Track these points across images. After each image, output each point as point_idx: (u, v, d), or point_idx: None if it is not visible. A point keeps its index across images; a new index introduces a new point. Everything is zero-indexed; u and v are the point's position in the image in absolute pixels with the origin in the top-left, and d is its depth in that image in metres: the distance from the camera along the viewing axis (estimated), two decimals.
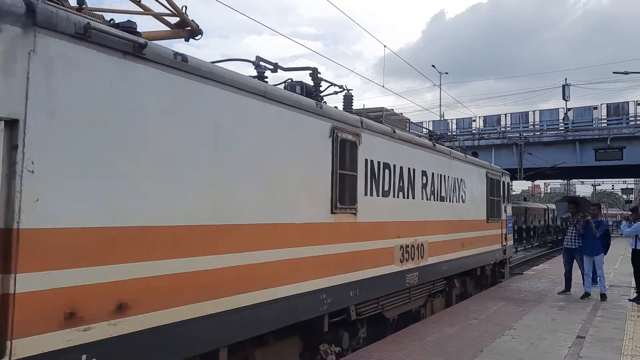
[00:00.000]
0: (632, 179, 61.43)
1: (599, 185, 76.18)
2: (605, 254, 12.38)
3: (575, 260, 12.71)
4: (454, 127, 46.53)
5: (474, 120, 46.50)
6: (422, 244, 9.59)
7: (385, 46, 17.95)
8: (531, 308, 10.83)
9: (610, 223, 16.16)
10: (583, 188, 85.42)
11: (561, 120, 42.87)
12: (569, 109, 43.78)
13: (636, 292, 11.97)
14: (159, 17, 5.81)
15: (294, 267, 6.03)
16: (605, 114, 41.39)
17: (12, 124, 3.35)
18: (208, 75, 4.91)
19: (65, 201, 3.67)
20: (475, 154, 15.03)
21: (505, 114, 45.80)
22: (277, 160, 5.89)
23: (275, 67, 7.14)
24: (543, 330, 8.73)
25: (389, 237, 8.42)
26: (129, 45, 4.13)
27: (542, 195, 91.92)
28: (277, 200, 5.86)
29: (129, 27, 4.48)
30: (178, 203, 4.56)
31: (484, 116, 46.64)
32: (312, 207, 6.49)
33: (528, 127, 43.75)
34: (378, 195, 8.06)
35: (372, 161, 7.89)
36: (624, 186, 71.45)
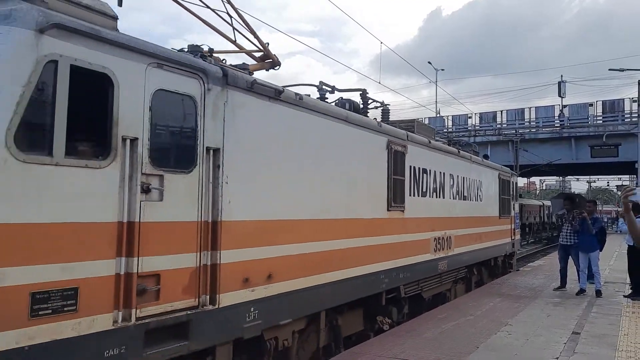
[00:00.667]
0: (627, 176, 61.62)
1: (594, 182, 76.59)
2: (600, 250, 12.44)
3: (570, 256, 12.77)
4: (450, 123, 46.61)
5: (470, 117, 46.57)
6: (450, 237, 11.28)
7: (381, 42, 17.94)
8: (527, 304, 10.88)
9: (606, 220, 16.30)
10: (578, 185, 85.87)
11: (557, 117, 43.00)
12: (565, 106, 43.92)
13: (631, 288, 12.05)
14: (249, 53, 7.11)
15: (364, 252, 7.73)
16: (601, 111, 41.54)
17: (215, 151, 5.08)
18: (313, 108, 6.76)
19: (243, 203, 5.38)
20: (486, 157, 16.60)
21: (501, 111, 45.90)
22: (352, 169, 7.60)
23: (333, 90, 8.48)
24: (538, 327, 8.77)
25: (426, 230, 10.14)
26: (272, 91, 5.91)
27: (538, 192, 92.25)
28: (353, 200, 7.58)
29: (244, 67, 6.17)
30: (300, 204, 6.40)
31: (480, 113, 46.74)
32: (375, 206, 8.24)
33: (524, 123, 43.85)
34: (418, 196, 9.80)
35: (414, 167, 9.64)
36: (619, 183, 71.76)
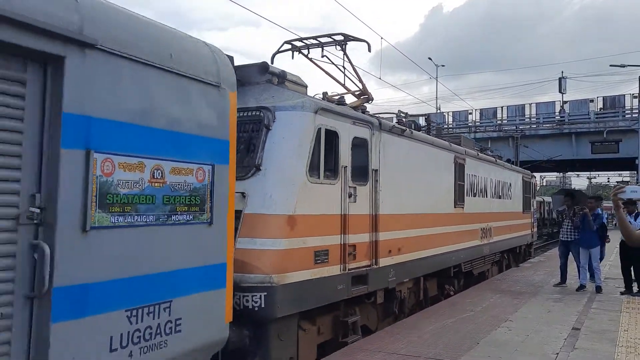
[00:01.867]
0: (628, 172, 61.59)
1: (595, 178, 76.50)
2: (601, 247, 12.45)
3: (570, 252, 12.78)
4: (451, 119, 46.56)
5: (471, 113, 46.56)
6: (490, 228, 14.40)
7: (382, 38, 17.93)
8: (527, 300, 10.90)
9: (606, 216, 16.50)
10: (578, 181, 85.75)
11: (557, 113, 42.93)
12: (565, 102, 43.85)
13: (638, 286, 12.04)
14: (353, 93, 9.25)
15: (441, 237, 10.81)
16: (602, 107, 41.46)
17: (375, 171, 8.01)
18: (417, 138, 9.85)
19: (387, 203, 8.30)
20: (509, 161, 20.02)
21: (502, 107, 45.86)
22: (435, 177, 10.83)
23: (406, 115, 11.50)
24: (539, 322, 8.79)
25: (476, 222, 13.27)
26: (399, 130, 9.02)
27: (538, 188, 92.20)
28: (435, 200, 10.71)
29: (343, 102, 8.04)
30: (411, 203, 9.41)
31: (480, 109, 46.70)
32: (447, 204, 11.36)
33: (524, 120, 43.79)
34: (472, 196, 12.98)
35: (469, 174, 12.83)
36: (620, 179, 71.72)
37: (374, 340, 7.53)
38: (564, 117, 41.97)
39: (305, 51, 8.96)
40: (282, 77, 7.32)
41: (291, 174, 6.48)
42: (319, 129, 6.80)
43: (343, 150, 7.24)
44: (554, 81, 47.63)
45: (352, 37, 8.95)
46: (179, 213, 4.23)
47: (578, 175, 71.37)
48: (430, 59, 46.87)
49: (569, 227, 12.61)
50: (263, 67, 7.11)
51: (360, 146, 7.71)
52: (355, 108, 8.27)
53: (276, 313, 5.95)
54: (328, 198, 6.92)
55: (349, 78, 9.24)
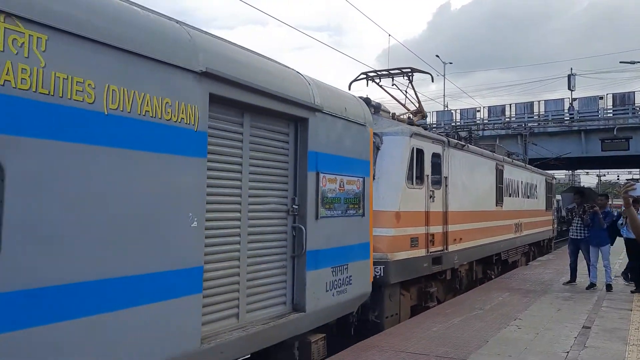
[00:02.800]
0: (638, 170, 61.05)
1: (604, 175, 75.92)
2: (611, 244, 12.33)
3: (580, 250, 12.68)
4: (458, 117, 46.36)
5: (479, 111, 46.26)
6: (521, 223, 17.09)
7: (389, 35, 17.86)
8: (536, 298, 10.83)
9: (615, 214, 16.56)
10: (588, 178, 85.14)
11: (566, 111, 42.61)
12: (575, 99, 43.51)
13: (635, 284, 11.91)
14: (411, 112, 11.79)
15: (487, 230, 13.34)
16: (611, 104, 41.10)
17: (446, 178, 10.73)
18: (471, 150, 12.51)
19: (453, 202, 10.99)
20: (531, 162, 23.13)
21: (510, 104, 45.53)
22: (482, 181, 13.45)
23: (470, 134, 16.04)
24: (548, 321, 8.72)
25: (511, 218, 15.95)
26: (461, 146, 11.78)
27: None
28: (483, 199, 13.33)
29: (413, 122, 10.86)
30: (471, 202, 12.12)
31: (488, 106, 46.43)
32: (491, 202, 13.98)
33: (533, 117, 43.49)
34: (508, 196, 15.71)
35: (506, 178, 15.68)
36: (630, 176, 71.13)
37: (383, 338, 7.50)
38: (573, 114, 41.64)
39: (376, 79, 11.72)
40: (377, 108, 9.84)
41: (396, 182, 9.12)
42: (413, 148, 9.51)
43: (426, 163, 9.98)
44: (562, 78, 47.24)
45: (418, 69, 11.49)
46: (350, 209, 6.72)
47: (587, 173, 70.87)
48: (437, 56, 46.75)
49: (578, 225, 12.50)
50: (366, 101, 8.25)
51: (436, 159, 10.44)
52: (411, 122, 10.81)
53: (390, 280, 8.63)
54: (418, 199, 9.66)
55: (410, 100, 12.28)
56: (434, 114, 47.23)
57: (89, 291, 3.47)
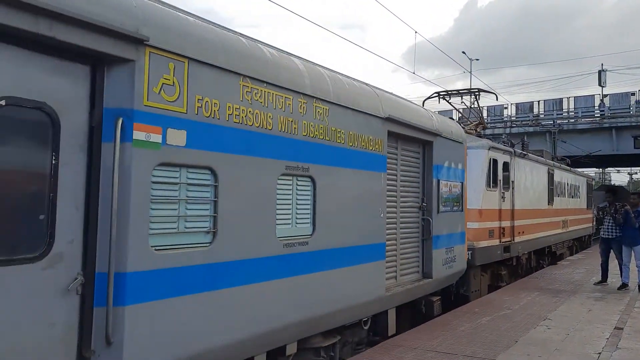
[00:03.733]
0: None
1: (636, 173, 74.08)
2: None
3: (612, 250, 12.41)
4: (485, 114, 45.77)
5: (506, 108, 45.58)
6: (567, 220, 19.75)
7: (416, 32, 17.76)
8: (566, 298, 10.64)
9: None
10: (619, 177, 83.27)
11: (597, 107, 41.69)
12: (605, 95, 42.54)
13: None
14: (474, 123, 14.18)
15: (541, 225, 15.69)
16: None
17: (513, 182, 13.33)
18: (530, 158, 15.34)
19: (518, 201, 13.65)
20: (569, 165, 24.23)
21: (539, 101, 44.77)
22: (537, 183, 15.84)
23: (522, 145, 16.78)
24: (579, 321, 8.57)
25: (559, 216, 18.47)
26: (522, 155, 14.61)
27: None
28: (539, 199, 15.88)
29: (481, 135, 14.50)
30: (530, 201, 14.93)
31: (516, 103, 45.70)
32: (544, 202, 16.41)
33: (562, 114, 42.66)
34: (557, 196, 18.22)
35: (556, 180, 18.25)
36: None
37: (409, 336, 7.47)
38: (603, 110, 40.72)
39: (447, 97, 14.42)
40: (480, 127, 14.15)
41: (479, 186, 11.56)
42: (490, 159, 12.02)
43: (499, 170, 12.42)
44: (593, 74, 46.16)
45: (485, 90, 14.27)
46: (455, 206, 9.09)
47: (618, 171, 69.25)
48: (464, 52, 46.26)
49: (610, 224, 12.25)
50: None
51: (506, 166, 12.88)
52: (479, 135, 13.60)
53: (475, 263, 11.04)
54: (493, 199, 12.14)
55: (474, 114, 15.55)
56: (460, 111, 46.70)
57: (346, 253, 6.17)
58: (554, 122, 37.63)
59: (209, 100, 4.37)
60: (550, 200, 17.23)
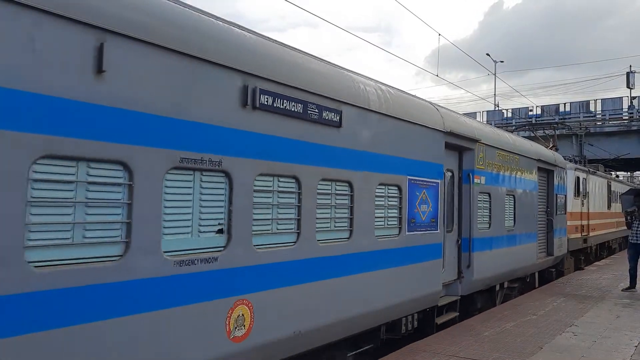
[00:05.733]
0: None
1: None
2: None
3: None
4: (510, 116, 45.19)
5: (531, 110, 44.97)
6: (618, 222, 23.71)
7: (439, 34, 17.65)
8: (593, 305, 10.44)
9: None
10: None
11: (625, 110, 40.85)
12: (634, 97, 41.67)
13: None
14: (550, 147, 16.41)
15: (603, 225, 21.67)
16: None
17: (587, 192, 19.19)
18: (597, 174, 21.61)
19: (590, 206, 19.47)
20: (605, 170, 27.86)
21: (565, 103, 44.08)
22: (601, 192, 22.04)
23: (584, 161, 22.92)
24: (607, 328, 8.40)
25: (614, 217, 23.54)
26: (593, 172, 20.93)
27: None
28: (602, 204, 21.95)
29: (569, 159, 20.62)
30: (596, 206, 20.87)
31: (541, 105, 45.05)
32: (605, 206, 22.55)
33: (589, 116, 41.90)
34: (613, 202, 23.82)
35: (613, 190, 24.41)
36: None
37: (433, 341, 7.41)
38: (632, 113, 39.87)
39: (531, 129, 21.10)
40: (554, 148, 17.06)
41: (570, 195, 15.82)
42: (576, 177, 16.88)
43: (580, 183, 17.56)
44: (621, 76, 45.29)
45: (560, 126, 23.71)
46: (561, 210, 14.25)
47: None
48: (488, 54, 45.77)
49: (639, 229, 11.98)
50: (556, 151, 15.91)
51: (583, 181, 17.94)
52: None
53: (568, 249, 15.22)
54: (577, 205, 16.76)
55: (551, 141, 18.42)
56: (484, 113, 46.23)
57: (523, 237, 11.54)
58: (580, 125, 36.97)
59: (490, 163, 9.80)
60: (609, 206, 23.16)
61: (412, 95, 8.29)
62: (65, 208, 3.39)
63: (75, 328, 3.34)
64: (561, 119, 41.96)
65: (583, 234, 17.73)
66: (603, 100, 42.77)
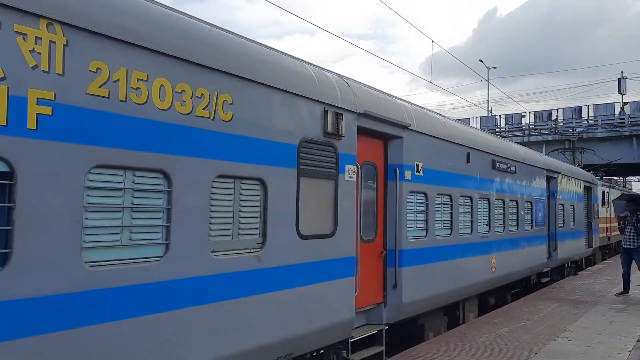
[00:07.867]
0: None
1: None
2: None
3: (634, 260, 12.17)
4: (503, 122, 45.42)
5: (524, 116, 45.23)
6: None
7: (433, 41, 17.74)
8: (587, 310, 10.45)
9: None
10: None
11: (617, 115, 41.15)
12: (626, 103, 41.99)
13: None
14: (577, 166, 24.41)
15: (617, 228, 18.13)
16: None
17: (609, 201, 25.22)
18: (614, 187, 29.80)
19: (610, 212, 25.82)
20: (602, 177, 31.96)
21: (557, 109, 44.40)
22: (617, 201, 21.09)
23: (598, 171, 31.11)
24: (601, 333, 8.40)
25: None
26: (609, 185, 28.76)
27: None
28: (613, 211, 24.80)
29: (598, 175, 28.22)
30: (614, 212, 25.00)
31: (534, 111, 45.32)
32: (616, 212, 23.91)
33: (581, 122, 42.18)
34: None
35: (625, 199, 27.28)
36: None
37: (427, 347, 7.39)
38: (624, 118, 40.18)
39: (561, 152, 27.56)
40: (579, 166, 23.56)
41: (599, 204, 22.31)
42: (602, 191, 24.27)
43: (605, 195, 24.76)
44: (613, 82, 45.62)
45: (580, 150, 28.95)
46: (597, 215, 21.38)
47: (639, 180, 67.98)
48: (481, 60, 46.01)
49: (632, 234, 12.04)
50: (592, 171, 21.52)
51: (607, 193, 25.22)
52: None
53: (598, 245, 21.85)
54: (603, 212, 23.56)
55: (579, 164, 24.68)
56: (478, 119, 46.42)
57: (575, 233, 17.25)
58: (573, 131, 37.21)
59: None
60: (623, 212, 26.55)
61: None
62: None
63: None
64: (554, 124, 42.22)
65: (607, 234, 24.67)
66: (595, 105, 43.06)
